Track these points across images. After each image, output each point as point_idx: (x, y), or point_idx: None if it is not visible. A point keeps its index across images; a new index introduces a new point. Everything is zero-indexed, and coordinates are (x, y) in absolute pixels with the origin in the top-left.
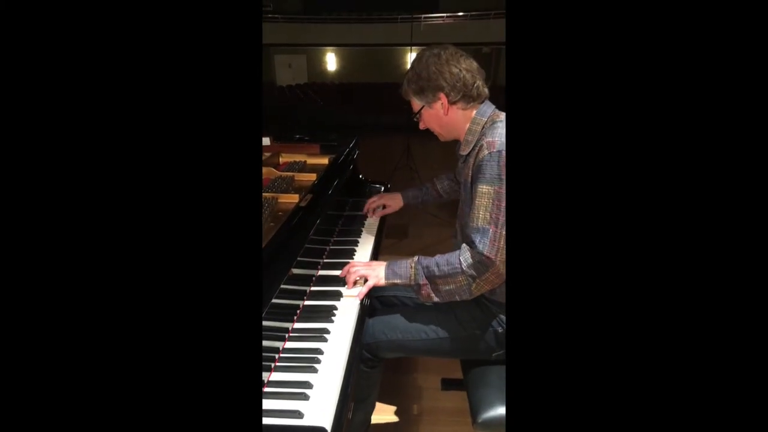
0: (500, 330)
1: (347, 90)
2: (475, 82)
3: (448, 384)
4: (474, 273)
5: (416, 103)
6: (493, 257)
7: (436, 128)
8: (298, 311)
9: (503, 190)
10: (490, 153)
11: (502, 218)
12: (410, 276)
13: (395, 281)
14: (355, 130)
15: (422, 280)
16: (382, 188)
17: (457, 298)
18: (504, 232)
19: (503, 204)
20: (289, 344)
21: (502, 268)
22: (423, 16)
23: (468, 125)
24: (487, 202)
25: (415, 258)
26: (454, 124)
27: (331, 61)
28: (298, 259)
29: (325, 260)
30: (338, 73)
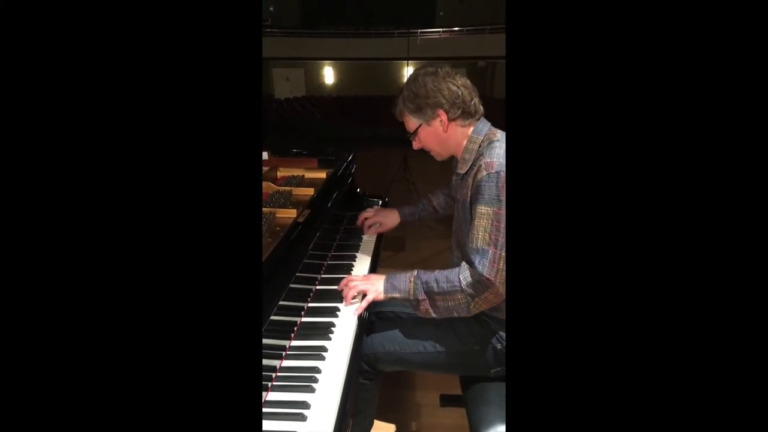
0: (499, 347)
1: (345, 103)
2: (472, 99)
3: (446, 400)
4: (473, 292)
5: (412, 123)
6: (492, 278)
7: (433, 146)
8: (295, 328)
9: (502, 212)
10: (488, 174)
11: (502, 239)
12: (409, 290)
13: (394, 295)
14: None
15: (421, 296)
16: (380, 202)
17: (455, 315)
18: (503, 254)
19: (502, 225)
20: (286, 363)
21: (502, 289)
22: (419, 31)
23: (465, 143)
24: (486, 223)
25: (415, 272)
26: (453, 141)
27: (328, 75)
28: (296, 274)
29: (322, 275)
30: (336, 86)
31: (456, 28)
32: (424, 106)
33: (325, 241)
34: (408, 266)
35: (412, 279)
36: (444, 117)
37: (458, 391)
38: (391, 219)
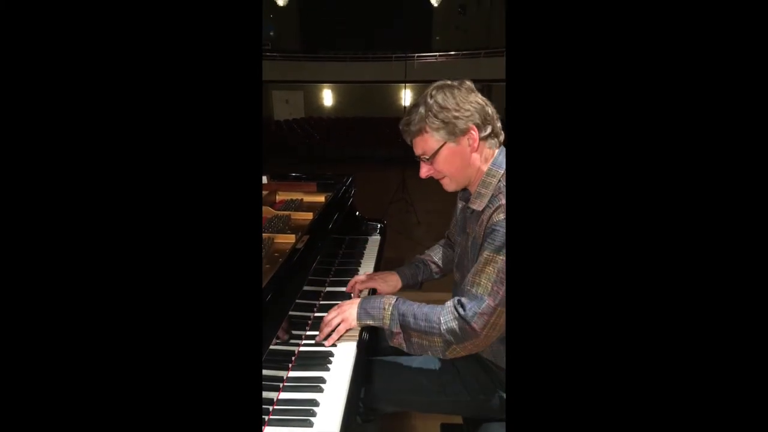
0: (506, 396)
1: (343, 124)
2: (498, 120)
3: (447, 430)
4: (452, 339)
5: (434, 141)
6: (478, 329)
7: (453, 171)
8: (293, 358)
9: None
10: (505, 219)
11: (502, 293)
12: (383, 318)
13: (368, 322)
14: (351, 162)
15: (396, 328)
16: (379, 226)
17: (429, 354)
18: (501, 309)
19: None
20: (283, 395)
21: (487, 341)
22: (416, 55)
23: (483, 176)
24: (491, 271)
25: (392, 300)
26: (475, 167)
27: (327, 97)
28: (295, 301)
29: (321, 302)
30: (335, 108)
31: (452, 52)
32: (453, 121)
33: (324, 266)
34: (405, 295)
35: (388, 307)
36: (476, 134)
37: (459, 420)
38: (390, 284)
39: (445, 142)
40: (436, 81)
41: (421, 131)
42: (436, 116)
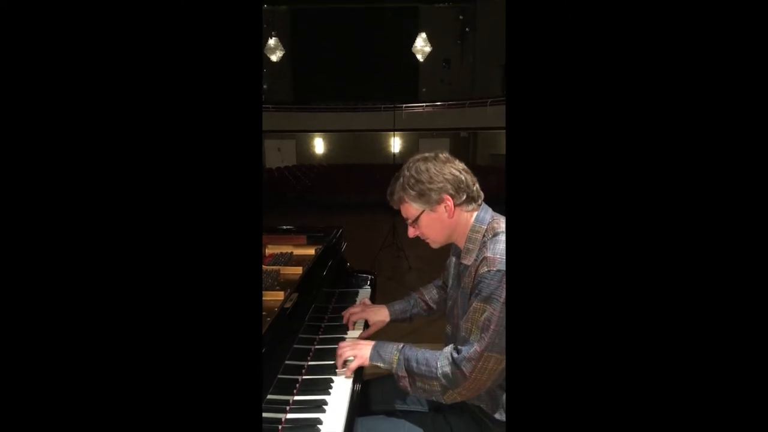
0: None
1: (334, 171)
2: (474, 183)
3: None
4: (446, 384)
5: (413, 209)
6: (467, 373)
7: (435, 234)
8: (279, 426)
9: (497, 313)
10: (489, 270)
11: (489, 340)
12: (392, 362)
13: (378, 364)
14: (341, 208)
15: (402, 372)
16: (369, 278)
17: (433, 399)
18: (490, 354)
19: (493, 326)
20: None
21: (478, 385)
22: (404, 105)
23: (468, 233)
24: (479, 318)
25: (401, 345)
26: (456, 228)
27: (319, 145)
28: (285, 363)
29: (309, 363)
30: (326, 155)
31: (438, 103)
32: (428, 191)
33: (314, 324)
34: (399, 335)
35: (396, 352)
36: (450, 202)
37: None
38: (379, 317)
39: (423, 211)
40: (422, 129)
41: (401, 200)
42: (412, 188)
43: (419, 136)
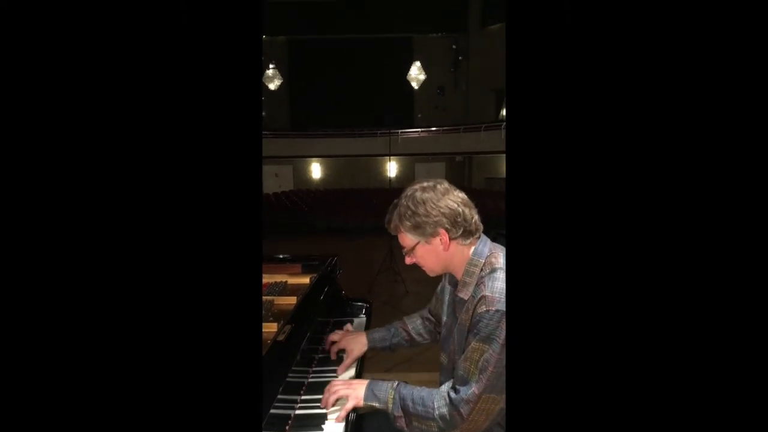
0: None
1: (332, 196)
2: (472, 217)
3: None
4: (442, 425)
5: (409, 240)
6: (465, 416)
7: (430, 264)
8: None
9: (495, 354)
10: (488, 311)
11: (486, 381)
12: (387, 401)
13: (374, 404)
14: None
15: (397, 412)
16: (364, 307)
17: None
18: (489, 396)
19: (492, 368)
20: None
21: (476, 426)
22: (400, 131)
23: (465, 266)
24: (477, 359)
25: (395, 384)
26: (452, 259)
27: (316, 170)
28: (277, 397)
29: (303, 396)
30: (323, 180)
31: (433, 128)
32: (423, 225)
33: (307, 356)
34: (393, 366)
35: (391, 391)
36: (445, 236)
37: None
38: (358, 346)
39: (418, 242)
40: (418, 153)
41: (397, 230)
42: (408, 219)
43: (415, 160)
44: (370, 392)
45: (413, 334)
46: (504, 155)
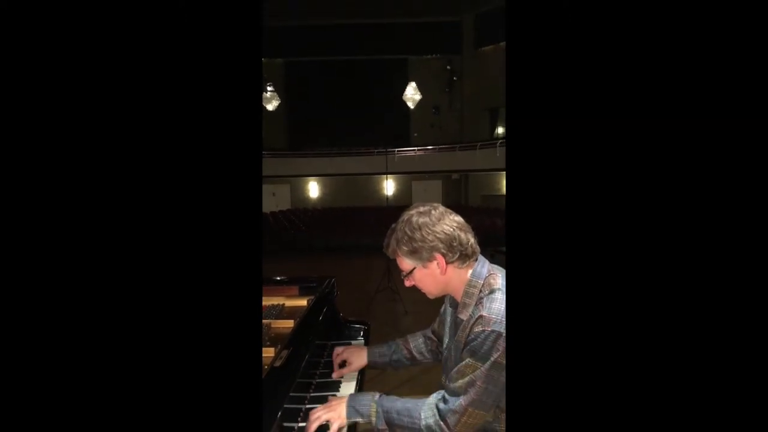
0: None
1: (329, 214)
2: (468, 240)
3: None
4: None
5: (407, 264)
6: (451, 425)
7: (428, 287)
8: None
9: (486, 371)
10: (484, 330)
11: (476, 397)
12: (370, 415)
13: (357, 419)
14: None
15: (381, 425)
16: (362, 329)
17: None
18: (474, 410)
19: (480, 383)
20: None
21: None
22: (396, 149)
23: (464, 287)
24: (468, 373)
25: (376, 396)
26: (450, 283)
27: (313, 189)
28: (275, 424)
29: (299, 424)
30: (320, 199)
31: (429, 147)
32: (420, 250)
33: (305, 380)
34: (397, 385)
35: (373, 405)
36: (442, 261)
37: None
38: (358, 358)
39: (416, 266)
40: (414, 172)
41: (395, 254)
42: (404, 245)
43: (412, 178)
44: (351, 408)
45: (414, 353)
46: (499, 173)
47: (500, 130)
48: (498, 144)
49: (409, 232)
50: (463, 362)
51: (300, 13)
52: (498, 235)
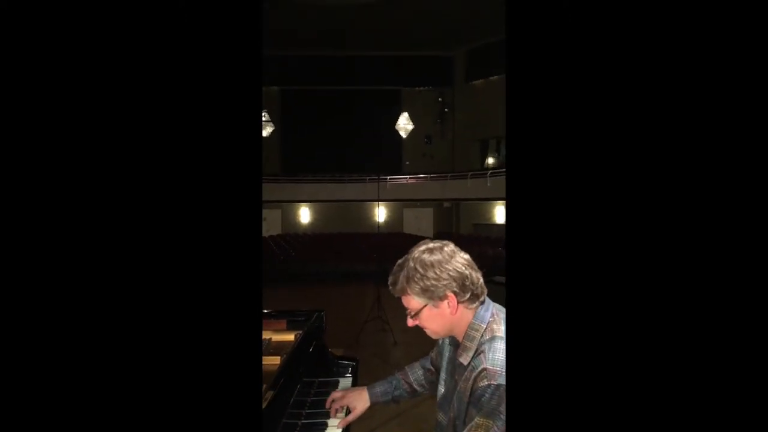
0: None
1: (320, 240)
2: (478, 279)
3: None
4: None
5: (415, 302)
6: None
7: (435, 327)
8: None
9: (501, 428)
10: (489, 384)
11: None
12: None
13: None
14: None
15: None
16: (350, 366)
17: None
18: None
19: None
20: None
21: None
22: (389, 177)
23: (467, 329)
24: None
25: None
26: (458, 323)
27: (304, 215)
28: None
29: None
30: (311, 224)
31: (421, 175)
32: (432, 288)
33: (290, 420)
34: (385, 419)
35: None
36: (453, 300)
37: None
38: (361, 403)
39: (425, 305)
40: (406, 199)
41: (403, 292)
42: (416, 282)
43: (403, 206)
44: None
45: (415, 386)
46: (490, 202)
47: (490, 160)
48: (488, 174)
49: (421, 270)
50: (473, 422)
51: (299, 44)
52: (490, 263)
